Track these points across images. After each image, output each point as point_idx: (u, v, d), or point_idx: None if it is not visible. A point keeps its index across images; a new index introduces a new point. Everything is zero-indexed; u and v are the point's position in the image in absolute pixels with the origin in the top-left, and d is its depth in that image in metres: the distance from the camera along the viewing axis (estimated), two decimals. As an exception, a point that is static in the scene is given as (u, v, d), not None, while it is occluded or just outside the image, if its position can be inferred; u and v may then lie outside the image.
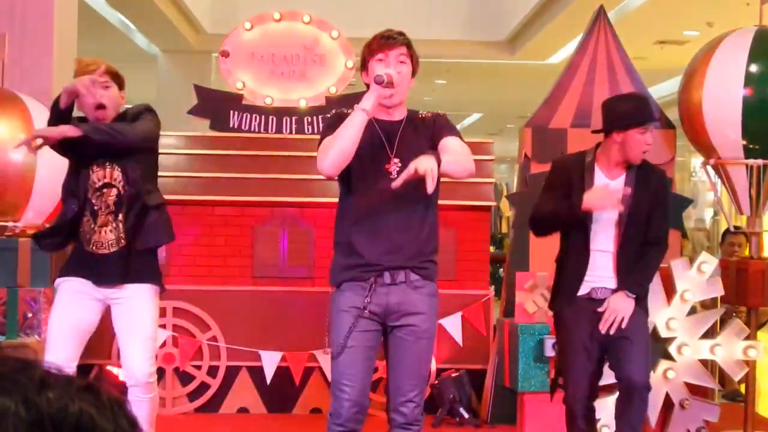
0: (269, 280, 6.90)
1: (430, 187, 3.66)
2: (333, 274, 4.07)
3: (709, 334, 6.02)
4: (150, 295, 4.60)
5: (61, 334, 4.46)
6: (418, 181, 3.70)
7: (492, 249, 9.68)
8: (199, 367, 6.79)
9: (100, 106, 4.44)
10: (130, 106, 4.66)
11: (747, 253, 6.43)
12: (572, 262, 4.84)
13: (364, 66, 4.06)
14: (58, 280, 4.58)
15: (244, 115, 7.22)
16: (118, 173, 4.49)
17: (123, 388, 6.47)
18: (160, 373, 6.77)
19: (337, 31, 7.37)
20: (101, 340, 6.81)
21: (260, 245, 6.94)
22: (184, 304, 6.78)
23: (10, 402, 0.92)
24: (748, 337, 6.00)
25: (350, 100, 7.25)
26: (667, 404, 6.01)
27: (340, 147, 3.83)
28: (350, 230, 3.98)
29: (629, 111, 4.83)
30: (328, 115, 4.14)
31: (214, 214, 6.94)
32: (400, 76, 3.99)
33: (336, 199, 4.19)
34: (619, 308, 4.70)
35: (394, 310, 3.96)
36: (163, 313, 6.76)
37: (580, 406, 4.89)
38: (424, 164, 3.68)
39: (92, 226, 4.46)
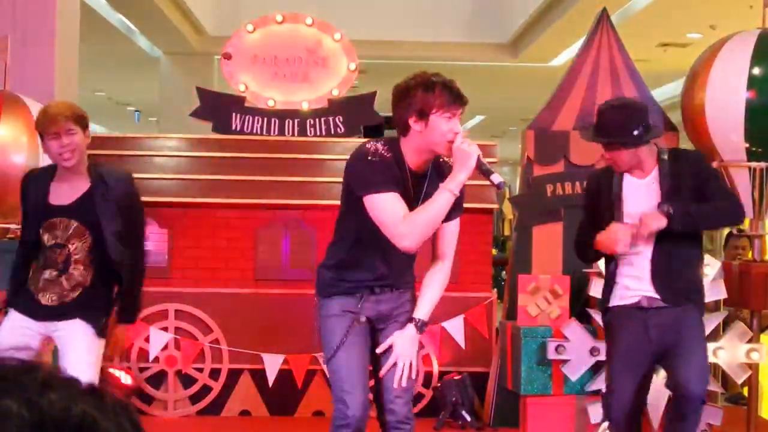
0: (271, 283, 6.90)
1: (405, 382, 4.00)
2: (321, 287, 4.08)
3: (712, 337, 6.01)
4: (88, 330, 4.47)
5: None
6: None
7: (494, 252, 9.67)
8: (201, 370, 6.79)
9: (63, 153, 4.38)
10: (105, 169, 4.56)
11: (750, 255, 6.41)
12: (607, 265, 4.79)
13: (422, 114, 3.82)
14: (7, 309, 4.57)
15: (247, 117, 7.22)
16: (69, 236, 4.44)
17: (127, 390, 6.49)
18: (162, 375, 6.77)
19: (340, 33, 7.37)
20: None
21: (262, 248, 6.94)
22: (185, 306, 6.78)
23: (13, 403, 0.91)
24: (750, 340, 5.99)
25: (352, 102, 7.27)
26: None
27: (429, 231, 3.84)
28: (347, 258, 4.00)
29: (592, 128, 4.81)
30: (371, 158, 3.87)
31: (216, 217, 6.94)
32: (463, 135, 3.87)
33: (337, 201, 4.18)
34: (647, 221, 4.51)
35: (383, 315, 4.05)
36: (165, 315, 6.77)
37: (623, 418, 4.67)
38: (405, 356, 4.01)
39: (41, 276, 4.46)
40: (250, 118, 7.22)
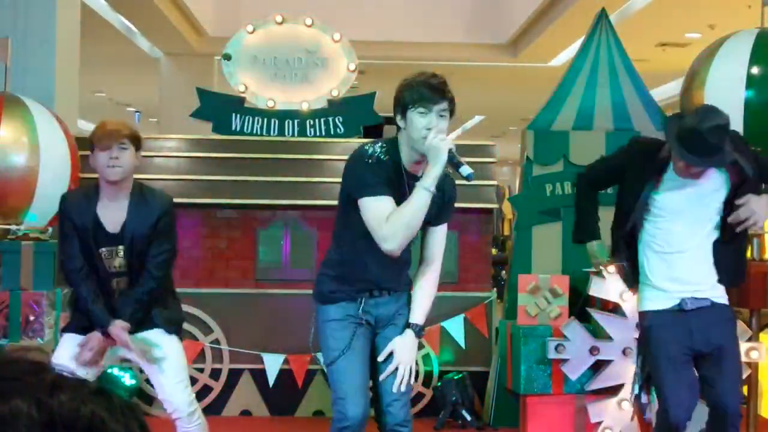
0: (272, 283, 6.91)
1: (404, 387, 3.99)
2: (320, 295, 4.08)
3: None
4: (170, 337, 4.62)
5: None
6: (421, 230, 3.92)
7: (494, 251, 9.68)
8: (201, 370, 6.80)
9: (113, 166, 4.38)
10: (149, 190, 4.57)
11: (749, 255, 6.42)
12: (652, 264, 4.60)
13: (401, 111, 3.86)
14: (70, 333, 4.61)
15: (247, 117, 7.23)
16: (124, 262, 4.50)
17: (131, 392, 6.50)
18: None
19: (339, 33, 7.38)
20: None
21: (263, 248, 6.95)
22: (186, 306, 6.75)
23: (23, 403, 0.92)
24: (750, 339, 5.99)
25: (352, 103, 7.28)
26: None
27: (411, 233, 3.81)
28: (346, 261, 4.02)
29: (685, 141, 4.40)
30: (367, 160, 3.87)
31: (216, 217, 6.95)
32: (440, 133, 3.81)
33: (337, 201, 4.19)
34: (756, 210, 4.40)
35: (382, 318, 4.05)
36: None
37: (684, 419, 4.52)
38: (405, 362, 4.00)
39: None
40: (250, 119, 7.23)
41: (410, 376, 4.03)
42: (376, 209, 3.80)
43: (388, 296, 4.05)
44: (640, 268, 4.65)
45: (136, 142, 4.44)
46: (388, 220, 3.76)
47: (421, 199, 3.74)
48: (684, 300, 4.51)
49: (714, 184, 4.53)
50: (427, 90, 3.82)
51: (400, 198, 3.84)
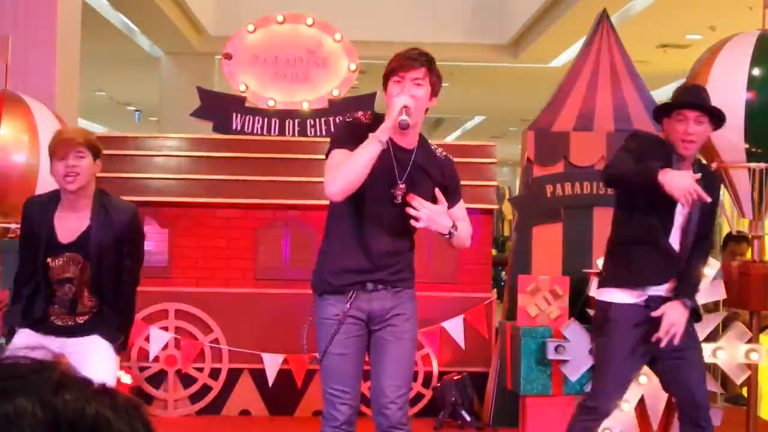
0: (271, 283, 6.91)
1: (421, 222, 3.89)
2: (316, 283, 4.12)
3: (712, 337, 6.02)
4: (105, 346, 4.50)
5: None
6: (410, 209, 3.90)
7: (494, 252, 9.68)
8: (201, 370, 6.80)
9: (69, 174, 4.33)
10: (110, 200, 4.50)
11: (749, 256, 6.42)
12: (643, 257, 4.53)
13: (385, 84, 3.97)
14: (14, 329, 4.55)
15: (247, 117, 7.23)
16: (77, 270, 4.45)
17: (135, 391, 6.50)
18: (163, 375, 6.78)
19: (340, 33, 7.38)
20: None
21: (262, 247, 6.95)
22: (186, 306, 6.79)
23: (28, 403, 0.92)
24: (750, 341, 6.00)
25: (352, 102, 7.27)
26: (669, 408, 6.00)
27: (351, 178, 3.79)
28: (341, 243, 4.02)
29: (673, 96, 4.62)
30: (341, 121, 4.07)
31: (216, 217, 6.94)
32: (415, 99, 3.87)
33: None
34: (676, 321, 4.40)
35: (376, 314, 4.01)
36: (165, 315, 6.78)
37: (611, 409, 4.66)
38: (441, 222, 3.91)
39: (52, 307, 4.47)
40: (251, 118, 7.23)
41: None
42: (331, 159, 3.90)
43: (384, 290, 4.01)
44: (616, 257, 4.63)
45: (94, 150, 4.37)
46: (335, 167, 3.83)
47: (367, 146, 3.78)
48: (651, 297, 4.51)
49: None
50: (402, 59, 3.92)
51: (387, 170, 3.91)
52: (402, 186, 3.95)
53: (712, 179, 4.62)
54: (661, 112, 4.57)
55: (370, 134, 3.81)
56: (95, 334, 4.44)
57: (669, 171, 4.21)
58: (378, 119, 3.93)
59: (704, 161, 4.77)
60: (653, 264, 4.50)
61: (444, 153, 4.13)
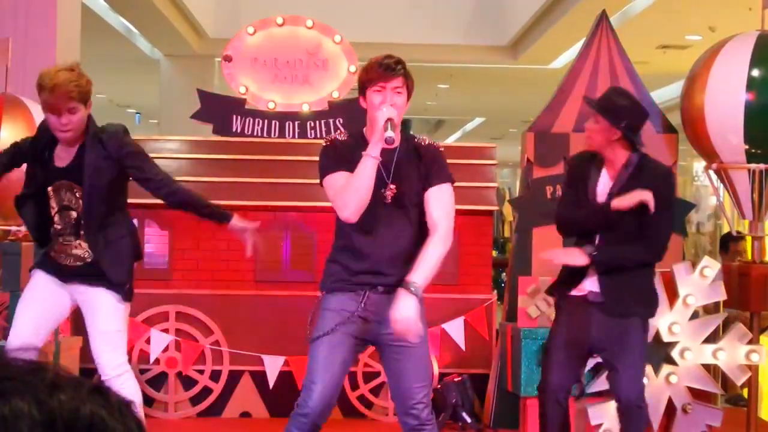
0: (272, 285, 6.91)
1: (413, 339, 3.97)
2: (326, 280, 4.18)
3: (712, 338, 6.02)
4: (111, 296, 4.60)
5: (25, 314, 4.63)
6: (410, 204, 4.06)
7: (495, 253, 9.68)
8: (201, 372, 6.80)
9: (65, 131, 4.46)
10: (101, 128, 4.62)
11: (749, 257, 6.42)
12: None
13: (362, 91, 4.09)
14: (33, 270, 4.73)
15: (247, 119, 7.23)
16: (77, 199, 4.56)
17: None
18: (163, 377, 6.78)
19: (340, 35, 7.38)
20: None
21: (263, 249, 6.94)
22: (186, 308, 6.79)
23: (24, 404, 0.92)
24: (750, 342, 6.00)
25: (353, 104, 7.27)
26: (670, 409, 6.01)
27: (361, 197, 3.92)
28: (344, 248, 4.12)
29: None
30: (324, 146, 4.14)
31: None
32: (397, 108, 4.01)
33: None
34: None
35: (386, 317, 4.03)
36: (165, 317, 6.78)
37: (557, 398, 4.87)
38: (403, 323, 3.93)
39: (58, 239, 4.60)
40: (251, 120, 7.23)
41: (415, 331, 3.97)
42: (331, 184, 4.03)
43: (395, 294, 4.02)
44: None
45: (86, 98, 4.45)
46: (341, 191, 3.96)
47: (363, 165, 3.92)
48: (591, 291, 4.75)
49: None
50: (381, 69, 4.03)
51: (377, 174, 4.00)
52: (392, 186, 4.06)
53: (645, 174, 4.75)
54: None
55: (363, 153, 3.93)
56: (101, 285, 4.53)
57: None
58: (355, 135, 4.11)
59: (645, 155, 4.86)
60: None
61: (428, 141, 4.22)
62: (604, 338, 4.74)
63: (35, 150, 4.58)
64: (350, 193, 3.93)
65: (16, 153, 4.69)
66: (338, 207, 3.98)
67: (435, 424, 4.19)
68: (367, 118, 4.09)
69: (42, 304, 4.63)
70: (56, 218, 4.57)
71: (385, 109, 3.95)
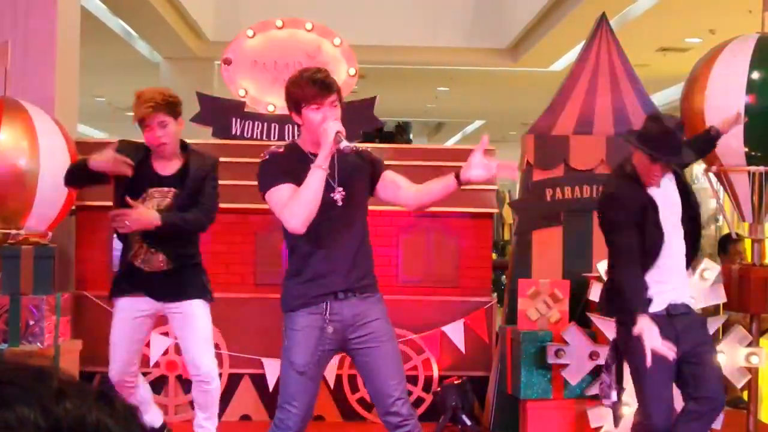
0: (272, 288, 6.89)
1: None
2: (285, 301, 4.26)
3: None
4: (201, 307, 5.11)
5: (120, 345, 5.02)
6: (358, 205, 4.20)
7: (494, 256, 9.68)
8: (201, 375, 6.78)
9: (160, 144, 4.89)
10: (196, 151, 5.12)
11: (749, 259, 6.42)
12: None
13: (296, 108, 4.16)
14: (116, 299, 5.05)
15: (247, 122, 7.22)
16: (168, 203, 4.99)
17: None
18: (163, 380, 6.77)
19: (339, 38, 7.37)
20: (104, 349, 6.82)
21: (262, 252, 6.94)
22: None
23: (29, 411, 0.92)
24: (750, 344, 5.99)
25: (352, 106, 7.27)
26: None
27: (310, 208, 4.00)
28: (301, 259, 4.18)
29: (652, 141, 4.65)
30: (263, 160, 4.22)
31: (216, 221, 6.92)
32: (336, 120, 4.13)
33: None
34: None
35: (350, 322, 4.14)
36: (165, 320, 6.76)
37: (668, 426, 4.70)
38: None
39: (142, 247, 4.94)
40: (250, 123, 7.23)
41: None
42: (277, 197, 4.08)
43: (354, 297, 4.15)
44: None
45: (176, 112, 4.90)
46: (289, 203, 4.02)
47: (314, 177, 4.01)
48: (670, 304, 4.68)
49: (672, 191, 4.79)
50: (317, 87, 4.10)
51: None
52: (340, 189, 4.16)
53: (681, 178, 4.86)
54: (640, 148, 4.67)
55: (312, 165, 4.02)
56: (191, 298, 5.01)
57: (643, 325, 4.45)
58: (291, 147, 4.24)
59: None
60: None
61: (356, 146, 4.33)
62: (688, 346, 4.71)
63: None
64: (300, 204, 4.00)
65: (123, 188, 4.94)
66: (286, 218, 4.03)
67: (416, 418, 4.28)
68: (303, 131, 4.23)
69: (132, 337, 5.02)
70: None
71: (332, 123, 4.05)
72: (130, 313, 5.01)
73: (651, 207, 4.67)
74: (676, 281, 4.73)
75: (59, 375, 0.97)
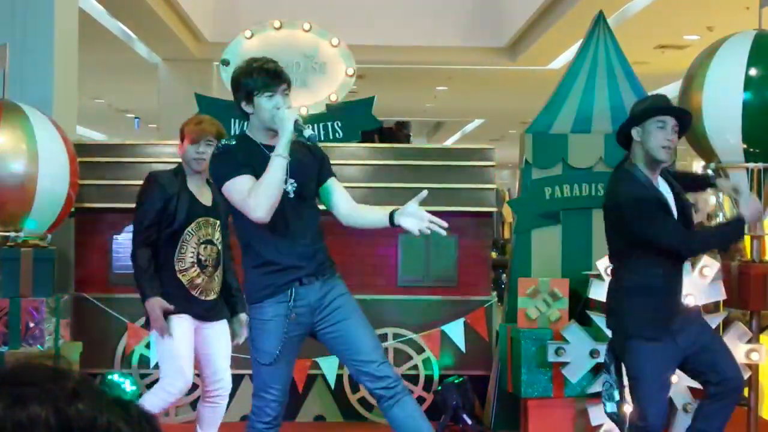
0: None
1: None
2: (250, 293, 4.32)
3: (712, 338, 6.01)
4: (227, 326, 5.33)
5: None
6: (309, 196, 4.29)
7: (494, 255, 9.68)
8: (202, 376, 6.79)
9: (199, 159, 5.09)
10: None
11: (749, 256, 6.42)
12: (667, 288, 4.64)
13: (247, 97, 4.22)
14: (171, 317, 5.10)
15: (246, 123, 7.21)
16: (218, 233, 5.19)
17: (132, 398, 6.48)
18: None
19: (337, 38, 7.37)
20: (104, 350, 6.83)
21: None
22: (186, 312, 6.78)
23: (42, 410, 0.92)
24: (750, 341, 5.99)
25: (350, 106, 7.27)
26: (671, 408, 6.00)
27: (274, 197, 4.07)
28: (263, 250, 4.25)
29: (646, 106, 4.74)
30: (217, 153, 4.30)
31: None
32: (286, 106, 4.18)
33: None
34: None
35: (315, 305, 4.24)
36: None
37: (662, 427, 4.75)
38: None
39: (200, 276, 5.10)
40: (249, 125, 7.21)
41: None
42: (237, 187, 4.11)
43: (316, 281, 4.24)
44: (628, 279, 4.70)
45: (220, 139, 4.98)
46: (252, 192, 4.06)
47: (276, 165, 4.06)
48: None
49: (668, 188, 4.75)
50: (268, 76, 4.20)
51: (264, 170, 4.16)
52: (291, 180, 4.19)
53: (669, 176, 4.82)
54: (643, 118, 4.66)
55: (272, 153, 4.08)
56: (224, 317, 5.23)
57: (747, 212, 4.60)
58: (242, 138, 4.30)
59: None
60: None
61: (295, 137, 4.28)
62: (690, 344, 4.74)
63: (173, 199, 5.06)
64: (264, 193, 4.04)
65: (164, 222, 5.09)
66: (252, 208, 4.06)
67: (401, 380, 4.30)
68: (253, 121, 4.28)
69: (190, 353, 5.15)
70: (196, 252, 5.08)
71: (287, 110, 4.13)
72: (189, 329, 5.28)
73: (663, 204, 4.63)
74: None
75: (75, 376, 0.98)
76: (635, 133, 4.66)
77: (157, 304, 4.95)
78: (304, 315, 4.23)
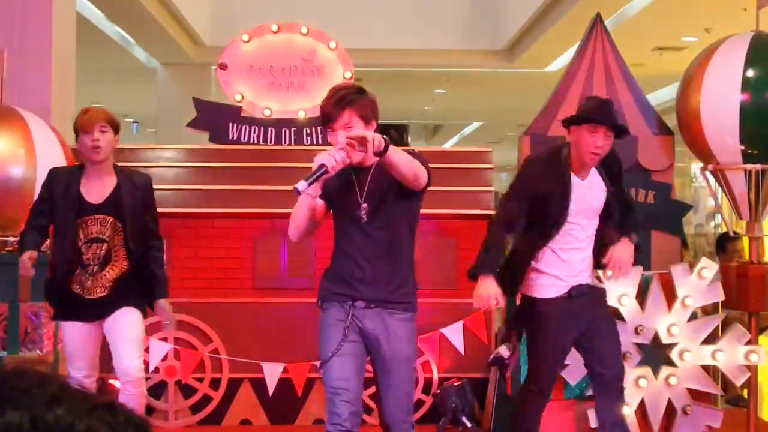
0: (270, 292, 6.90)
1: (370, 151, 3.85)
2: (319, 292, 4.35)
3: (711, 339, 6.02)
4: (133, 311, 5.16)
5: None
6: (386, 220, 4.16)
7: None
8: (201, 380, 6.79)
9: (95, 147, 5.00)
10: (129, 171, 5.34)
11: (747, 257, 6.42)
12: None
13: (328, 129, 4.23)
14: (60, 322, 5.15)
15: (243, 127, 7.23)
16: (109, 230, 5.08)
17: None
18: (163, 386, 6.77)
19: (335, 42, 7.38)
20: (103, 354, 6.82)
21: (261, 257, 6.94)
22: (185, 316, 6.78)
23: (19, 416, 0.92)
24: (749, 342, 6.00)
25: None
26: (670, 410, 6.00)
27: (298, 226, 4.22)
28: (336, 259, 4.30)
29: (587, 108, 4.91)
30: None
31: (214, 227, 6.94)
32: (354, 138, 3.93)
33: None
34: (623, 258, 4.82)
35: (368, 333, 4.20)
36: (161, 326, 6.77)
37: (545, 403, 5.04)
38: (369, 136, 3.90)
39: (83, 275, 5.04)
40: (247, 128, 7.23)
41: None
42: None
43: (374, 310, 4.19)
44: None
45: (114, 125, 5.08)
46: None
47: (300, 200, 4.17)
48: (572, 287, 4.88)
49: (600, 188, 4.91)
50: (329, 107, 4.14)
51: (350, 193, 4.20)
52: (365, 206, 4.16)
53: (612, 165, 4.96)
54: (573, 122, 4.91)
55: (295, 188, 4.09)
56: (125, 305, 5.07)
57: (481, 282, 4.74)
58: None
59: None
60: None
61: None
62: (586, 324, 4.99)
63: (61, 193, 5.02)
64: (293, 220, 4.22)
65: (49, 213, 5.10)
66: (289, 228, 4.27)
67: (411, 424, 4.32)
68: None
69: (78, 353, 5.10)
70: (82, 251, 5.01)
71: (321, 155, 4.01)
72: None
73: (566, 192, 4.81)
74: (580, 267, 4.91)
75: (59, 381, 0.97)
76: (568, 133, 4.95)
77: (26, 256, 4.96)
78: (358, 334, 4.22)
